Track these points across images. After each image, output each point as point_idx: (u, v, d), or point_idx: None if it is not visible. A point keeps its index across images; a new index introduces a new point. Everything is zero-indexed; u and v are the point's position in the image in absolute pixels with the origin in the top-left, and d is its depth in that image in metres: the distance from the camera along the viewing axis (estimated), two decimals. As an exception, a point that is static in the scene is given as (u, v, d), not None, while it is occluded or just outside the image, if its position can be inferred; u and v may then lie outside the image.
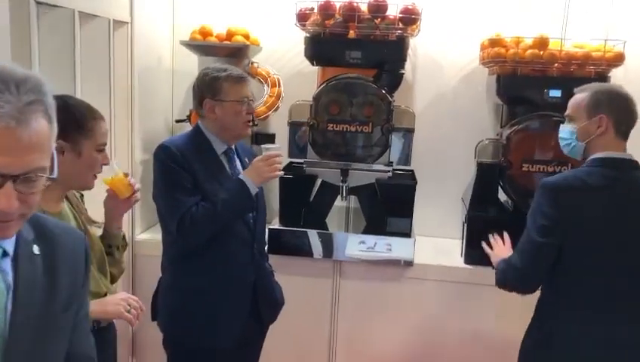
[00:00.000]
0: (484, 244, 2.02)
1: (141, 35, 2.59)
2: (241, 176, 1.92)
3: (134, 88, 2.58)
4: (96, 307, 1.54)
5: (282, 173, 2.02)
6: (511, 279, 1.83)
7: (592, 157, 1.80)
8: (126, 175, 1.68)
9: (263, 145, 2.03)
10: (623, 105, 1.79)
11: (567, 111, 1.87)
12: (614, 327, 1.76)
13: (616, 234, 1.75)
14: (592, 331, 1.76)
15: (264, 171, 1.93)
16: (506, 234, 2.00)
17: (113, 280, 1.76)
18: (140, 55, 2.59)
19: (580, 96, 1.84)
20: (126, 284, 2.59)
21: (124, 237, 1.78)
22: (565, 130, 1.87)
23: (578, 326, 1.78)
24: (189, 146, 1.96)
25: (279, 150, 2.01)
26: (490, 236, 2.02)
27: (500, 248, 1.98)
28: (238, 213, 1.95)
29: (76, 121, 1.48)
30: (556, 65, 2.42)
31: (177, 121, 2.83)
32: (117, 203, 1.69)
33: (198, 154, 1.93)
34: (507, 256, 1.87)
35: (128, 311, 1.60)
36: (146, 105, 2.71)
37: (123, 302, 1.61)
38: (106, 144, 1.53)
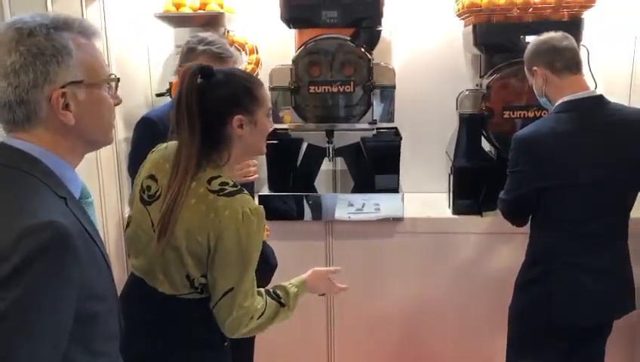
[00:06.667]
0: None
1: (114, 10, 2.54)
2: None
3: (111, 65, 2.55)
4: None
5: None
6: (503, 213, 2.06)
7: (557, 103, 1.93)
8: None
9: None
10: (543, 48, 1.95)
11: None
12: (597, 258, 1.87)
13: (590, 173, 1.84)
14: (579, 264, 1.87)
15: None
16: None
17: None
18: (114, 30, 2.55)
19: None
20: (120, 261, 2.61)
21: None
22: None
23: (566, 261, 1.88)
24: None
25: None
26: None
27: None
28: None
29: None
30: (530, 10, 2.44)
31: (158, 95, 2.81)
32: None
33: None
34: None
35: None
36: (124, 81, 2.64)
37: None
38: None
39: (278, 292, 1.61)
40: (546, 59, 1.93)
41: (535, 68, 1.95)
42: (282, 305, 1.59)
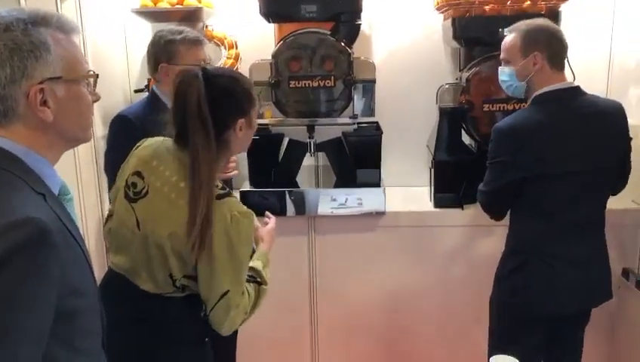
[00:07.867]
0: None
1: (90, 6, 2.51)
2: None
3: (88, 61, 2.51)
4: None
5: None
6: (483, 205, 2.05)
7: (535, 94, 1.92)
8: None
9: None
10: (555, 38, 1.91)
11: (503, 55, 1.99)
12: (575, 247, 1.89)
13: (569, 163, 1.86)
14: (558, 253, 1.89)
15: None
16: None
17: None
18: (90, 27, 2.51)
19: (511, 37, 1.96)
20: (100, 258, 2.58)
21: None
22: (505, 73, 1.99)
23: (544, 251, 1.91)
24: (147, 112, 1.95)
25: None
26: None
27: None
28: None
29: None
30: (509, 3, 2.45)
31: (136, 91, 2.77)
32: None
33: (157, 118, 1.90)
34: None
35: None
36: (101, 77, 2.61)
37: None
38: None
39: (251, 273, 1.61)
40: (551, 51, 1.89)
41: (537, 53, 1.89)
42: (259, 283, 1.61)
